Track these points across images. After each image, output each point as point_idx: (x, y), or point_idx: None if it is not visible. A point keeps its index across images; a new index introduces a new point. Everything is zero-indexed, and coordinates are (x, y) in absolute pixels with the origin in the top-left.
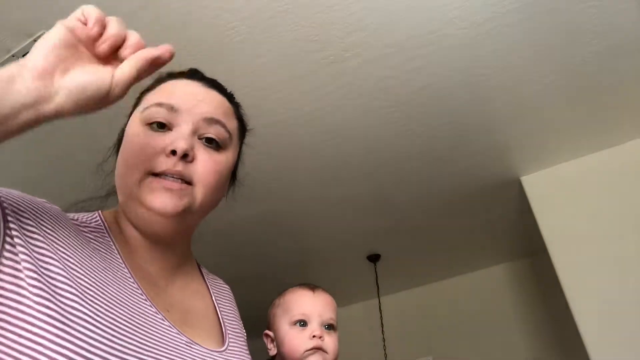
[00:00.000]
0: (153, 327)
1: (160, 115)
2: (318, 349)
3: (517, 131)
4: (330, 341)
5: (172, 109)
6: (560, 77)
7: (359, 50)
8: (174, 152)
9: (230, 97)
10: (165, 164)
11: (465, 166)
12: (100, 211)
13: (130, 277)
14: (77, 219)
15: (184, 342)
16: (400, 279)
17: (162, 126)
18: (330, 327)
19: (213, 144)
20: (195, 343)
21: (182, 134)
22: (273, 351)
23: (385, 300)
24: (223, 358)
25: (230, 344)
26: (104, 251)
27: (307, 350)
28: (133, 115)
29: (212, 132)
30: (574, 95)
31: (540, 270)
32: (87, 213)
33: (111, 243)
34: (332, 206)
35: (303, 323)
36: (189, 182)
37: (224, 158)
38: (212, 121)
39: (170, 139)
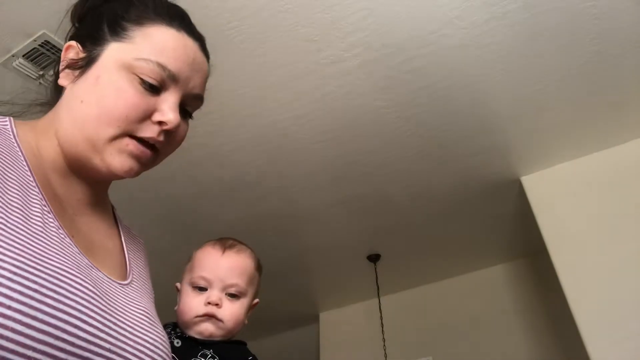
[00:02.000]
0: (54, 239)
1: (158, 77)
2: (211, 316)
3: (517, 131)
4: (228, 309)
5: (172, 77)
6: (560, 77)
7: (359, 50)
8: (161, 123)
9: (209, 60)
10: (150, 130)
11: (465, 166)
12: (12, 118)
13: (34, 185)
14: None
15: (85, 263)
16: (400, 279)
17: (153, 87)
18: (233, 294)
19: (187, 114)
20: (97, 268)
21: (173, 105)
22: (177, 305)
23: (385, 300)
24: (123, 290)
25: (134, 282)
26: (7, 154)
27: (197, 316)
28: (114, 48)
29: (193, 106)
30: (574, 95)
31: (540, 270)
32: None
33: (17, 149)
34: (332, 206)
35: (202, 287)
36: (157, 151)
37: (187, 125)
38: (198, 97)
39: (161, 106)
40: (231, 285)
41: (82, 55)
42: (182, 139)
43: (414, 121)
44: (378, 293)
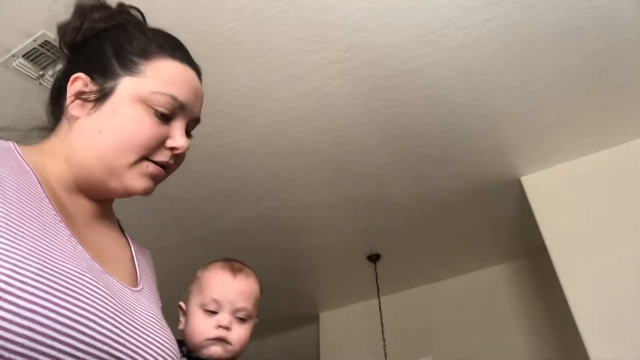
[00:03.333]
0: (67, 245)
1: (170, 108)
2: (221, 339)
3: (517, 131)
4: (237, 332)
5: (182, 107)
6: (560, 77)
7: (359, 50)
8: (173, 148)
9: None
10: (164, 156)
11: (465, 166)
12: (14, 142)
13: (46, 199)
14: None
15: (96, 267)
16: (400, 279)
17: (164, 117)
18: (242, 318)
19: (187, 135)
20: (108, 273)
21: (182, 132)
22: (182, 325)
23: (385, 300)
24: (134, 295)
25: (144, 290)
26: (18, 170)
27: (208, 339)
28: (129, 83)
29: (193, 127)
30: (574, 95)
31: (540, 270)
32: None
33: (25, 165)
34: (332, 206)
35: (213, 310)
36: (166, 168)
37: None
38: (197, 120)
39: (172, 133)
40: (241, 309)
41: (93, 88)
42: (184, 157)
43: (414, 121)
44: (378, 293)
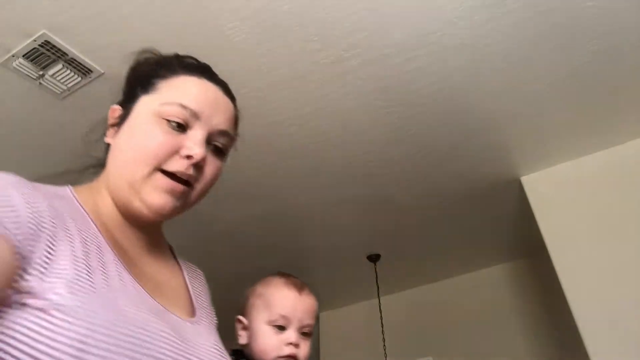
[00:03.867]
0: (132, 292)
1: (181, 116)
2: (292, 357)
3: (517, 131)
4: (303, 349)
5: (195, 115)
6: (560, 77)
7: (359, 50)
8: (189, 157)
9: (234, 102)
10: (179, 164)
11: (465, 166)
12: (70, 186)
13: (107, 246)
14: (47, 191)
15: (160, 309)
16: (400, 279)
17: (179, 126)
18: (306, 333)
19: (218, 151)
20: (169, 311)
21: (199, 141)
22: (243, 339)
23: (385, 300)
24: (193, 328)
25: (201, 318)
26: (79, 219)
27: (280, 357)
28: (145, 101)
29: (222, 142)
30: (574, 95)
31: (540, 270)
32: (56, 187)
33: (83, 212)
34: (332, 206)
35: (281, 326)
36: (190, 185)
37: (222, 164)
38: (224, 133)
39: (186, 143)
40: (306, 326)
41: (120, 113)
42: (215, 176)
43: (414, 121)
44: (378, 293)
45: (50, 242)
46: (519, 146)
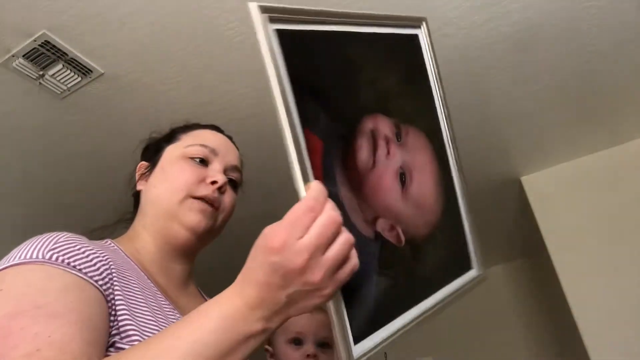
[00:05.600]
0: (173, 322)
1: (203, 153)
2: None
3: (517, 131)
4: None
5: (213, 151)
6: (560, 77)
7: None
8: (213, 182)
9: (236, 146)
10: (205, 190)
11: (465, 166)
12: (110, 240)
13: (153, 286)
14: (101, 244)
15: None
16: None
17: (202, 162)
18: (324, 344)
19: (232, 184)
20: None
21: (220, 170)
22: None
23: None
24: None
25: None
26: (131, 269)
27: None
28: (170, 149)
29: (235, 176)
30: (574, 95)
31: (540, 270)
32: (99, 241)
33: (128, 259)
34: None
35: (298, 341)
36: (216, 207)
37: (235, 196)
38: (235, 168)
39: (210, 173)
40: (323, 338)
41: (148, 164)
42: (232, 206)
43: None
44: None
45: (119, 289)
46: (519, 146)
